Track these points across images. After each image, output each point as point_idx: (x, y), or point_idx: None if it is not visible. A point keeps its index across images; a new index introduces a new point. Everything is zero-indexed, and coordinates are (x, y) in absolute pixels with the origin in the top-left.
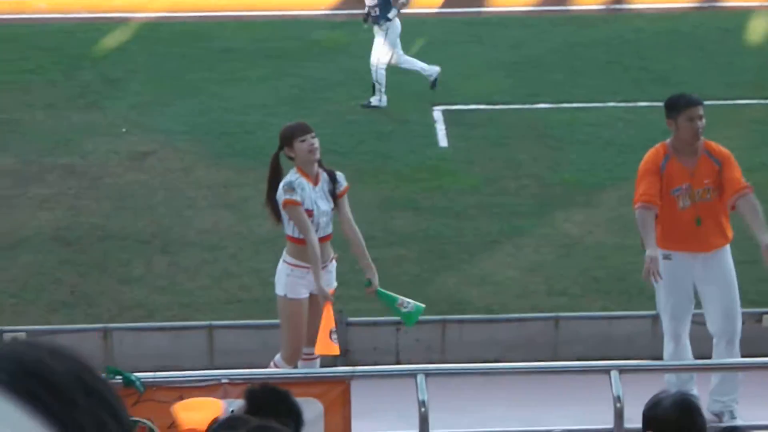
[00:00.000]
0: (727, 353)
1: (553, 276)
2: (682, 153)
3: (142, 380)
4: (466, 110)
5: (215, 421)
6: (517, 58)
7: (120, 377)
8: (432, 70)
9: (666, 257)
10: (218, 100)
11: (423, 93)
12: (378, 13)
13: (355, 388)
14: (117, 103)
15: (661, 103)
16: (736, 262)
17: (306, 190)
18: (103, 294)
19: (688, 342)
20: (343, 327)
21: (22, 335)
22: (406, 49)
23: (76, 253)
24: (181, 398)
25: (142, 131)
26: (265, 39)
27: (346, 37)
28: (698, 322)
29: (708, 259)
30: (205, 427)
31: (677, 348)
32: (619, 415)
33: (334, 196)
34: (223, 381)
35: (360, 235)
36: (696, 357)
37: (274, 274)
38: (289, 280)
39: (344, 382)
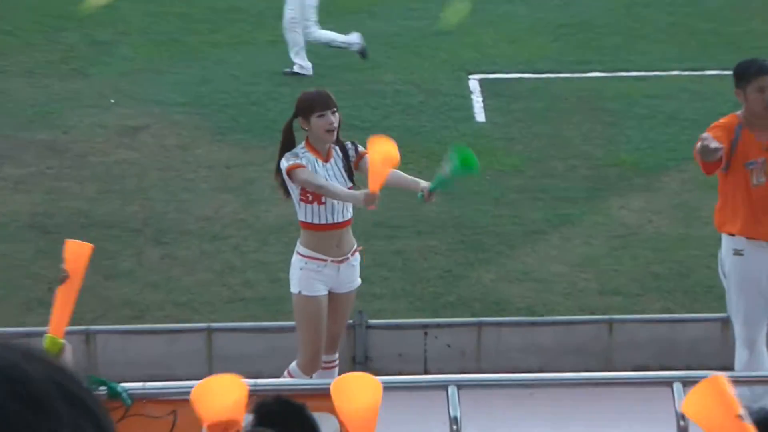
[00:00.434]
0: None
1: (606, 272)
2: (756, 126)
3: (130, 392)
4: (506, 79)
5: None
6: (566, 19)
7: (104, 388)
8: (351, 38)
9: (737, 252)
10: (222, 66)
11: (457, 59)
12: None
13: None
14: (105, 69)
15: (731, 72)
16: None
17: (312, 167)
18: (85, 291)
19: (764, 349)
20: (363, 331)
21: None
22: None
23: (56, 243)
24: (174, 412)
25: (133, 102)
26: None
27: None
28: None
29: None
30: (233, 416)
31: (751, 357)
32: None
33: (350, 171)
34: None
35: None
36: None
37: (282, 269)
38: (302, 274)
39: None
